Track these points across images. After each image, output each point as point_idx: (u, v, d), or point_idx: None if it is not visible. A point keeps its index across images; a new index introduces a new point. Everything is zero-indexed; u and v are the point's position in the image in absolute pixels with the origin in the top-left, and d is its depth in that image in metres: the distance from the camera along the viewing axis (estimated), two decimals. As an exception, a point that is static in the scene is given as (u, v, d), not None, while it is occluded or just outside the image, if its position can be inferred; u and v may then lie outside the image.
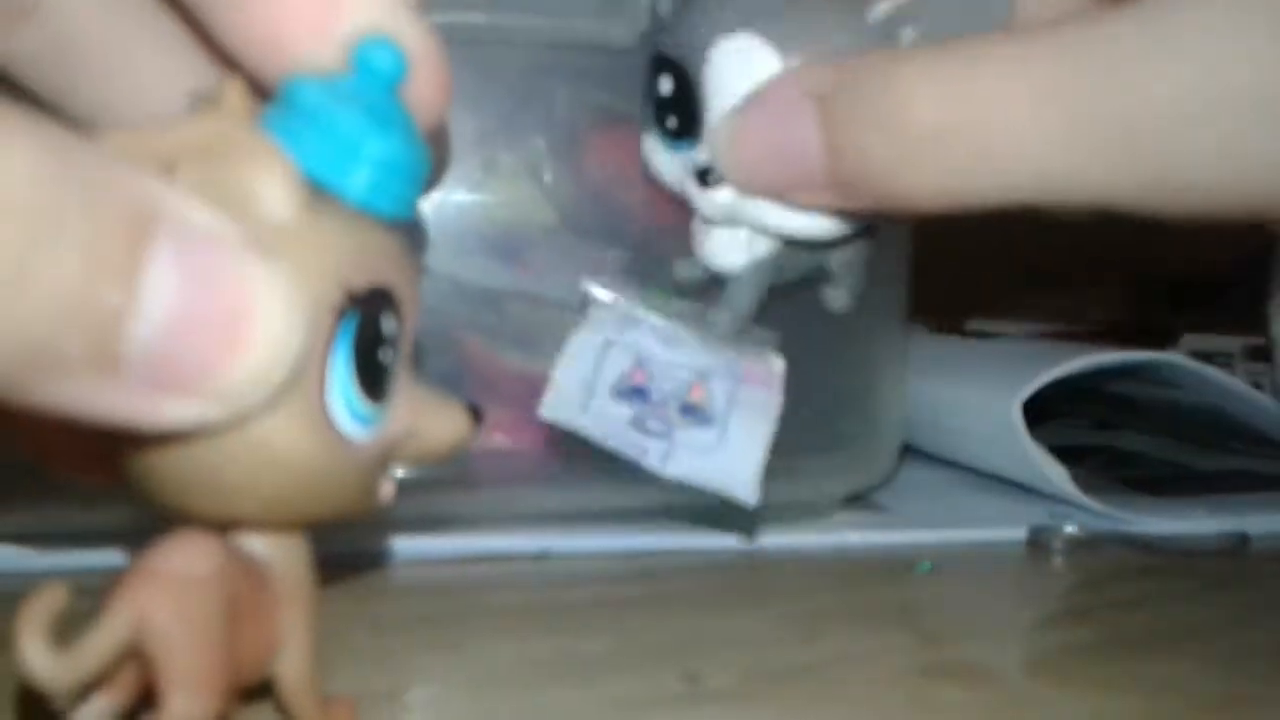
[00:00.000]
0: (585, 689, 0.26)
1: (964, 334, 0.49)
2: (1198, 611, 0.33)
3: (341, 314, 0.18)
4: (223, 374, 0.16)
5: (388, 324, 0.19)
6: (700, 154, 0.28)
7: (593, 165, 0.40)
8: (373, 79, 0.19)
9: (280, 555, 0.21)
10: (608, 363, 0.33)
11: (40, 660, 0.17)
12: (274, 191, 0.17)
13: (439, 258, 0.37)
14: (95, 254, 0.15)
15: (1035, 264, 0.62)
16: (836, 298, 0.33)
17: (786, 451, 0.39)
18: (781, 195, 0.27)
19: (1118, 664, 0.28)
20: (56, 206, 0.14)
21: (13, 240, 0.14)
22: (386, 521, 0.36)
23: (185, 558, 0.19)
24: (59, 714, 0.19)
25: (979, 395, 0.43)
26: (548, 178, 0.39)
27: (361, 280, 0.18)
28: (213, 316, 0.16)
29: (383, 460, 0.20)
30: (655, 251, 0.37)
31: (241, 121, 0.18)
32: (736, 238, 0.30)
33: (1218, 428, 0.48)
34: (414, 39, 0.19)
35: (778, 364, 0.34)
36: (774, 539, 0.38)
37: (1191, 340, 0.59)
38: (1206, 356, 0.45)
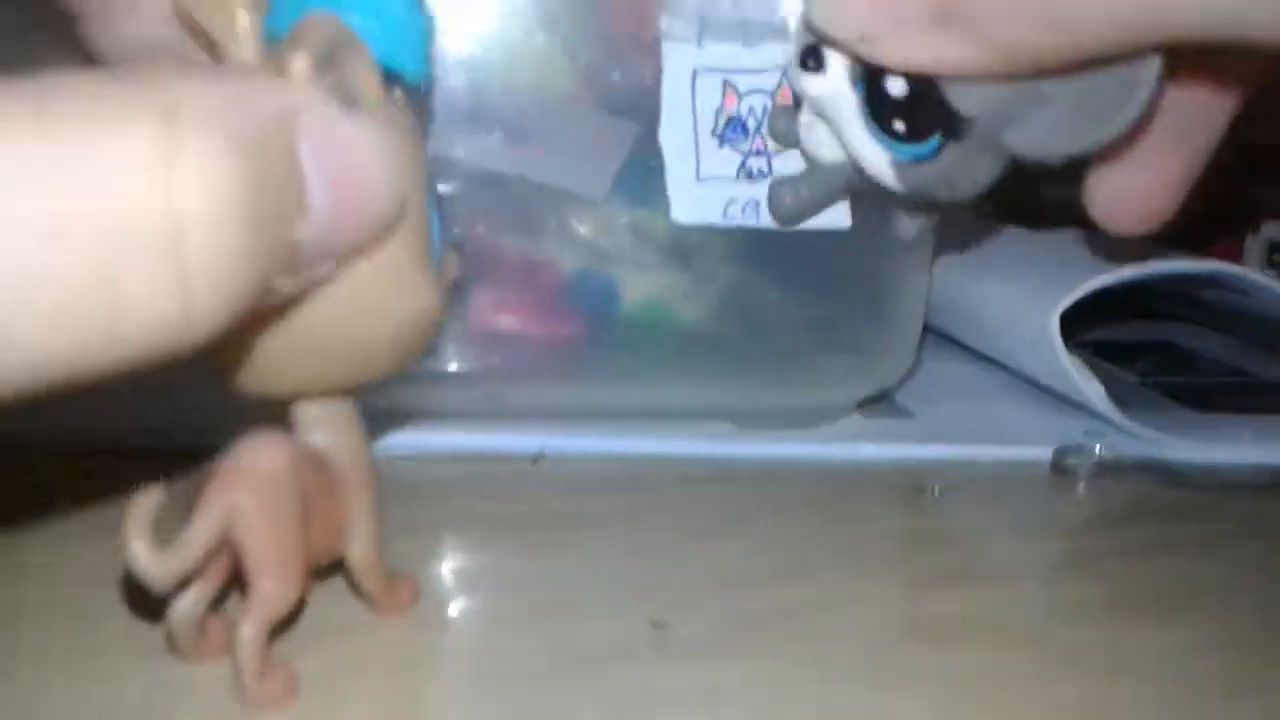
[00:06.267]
0: (547, 639, 0.25)
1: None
2: (1220, 565, 0.31)
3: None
4: (359, 238, 0.19)
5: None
6: (806, 38, 0.28)
7: (614, 24, 0.37)
8: None
9: (344, 446, 0.23)
10: (700, 99, 0.34)
11: (145, 558, 0.20)
12: (370, 81, 0.19)
13: (438, 137, 0.35)
14: (288, 188, 0.17)
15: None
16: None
17: (792, 354, 0.38)
18: (881, 40, 0.25)
19: (1116, 630, 0.27)
20: (256, 182, 0.16)
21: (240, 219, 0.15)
22: (388, 415, 0.35)
23: (264, 455, 0.21)
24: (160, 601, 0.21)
25: (1016, 298, 0.40)
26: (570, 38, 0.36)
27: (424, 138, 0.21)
28: (349, 197, 0.18)
29: None
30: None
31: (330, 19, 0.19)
32: (831, 136, 0.30)
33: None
34: None
35: None
36: (779, 447, 0.37)
37: (1272, 229, 0.54)
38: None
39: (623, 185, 0.37)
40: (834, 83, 0.28)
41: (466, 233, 0.37)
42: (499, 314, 0.38)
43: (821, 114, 0.29)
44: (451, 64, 0.34)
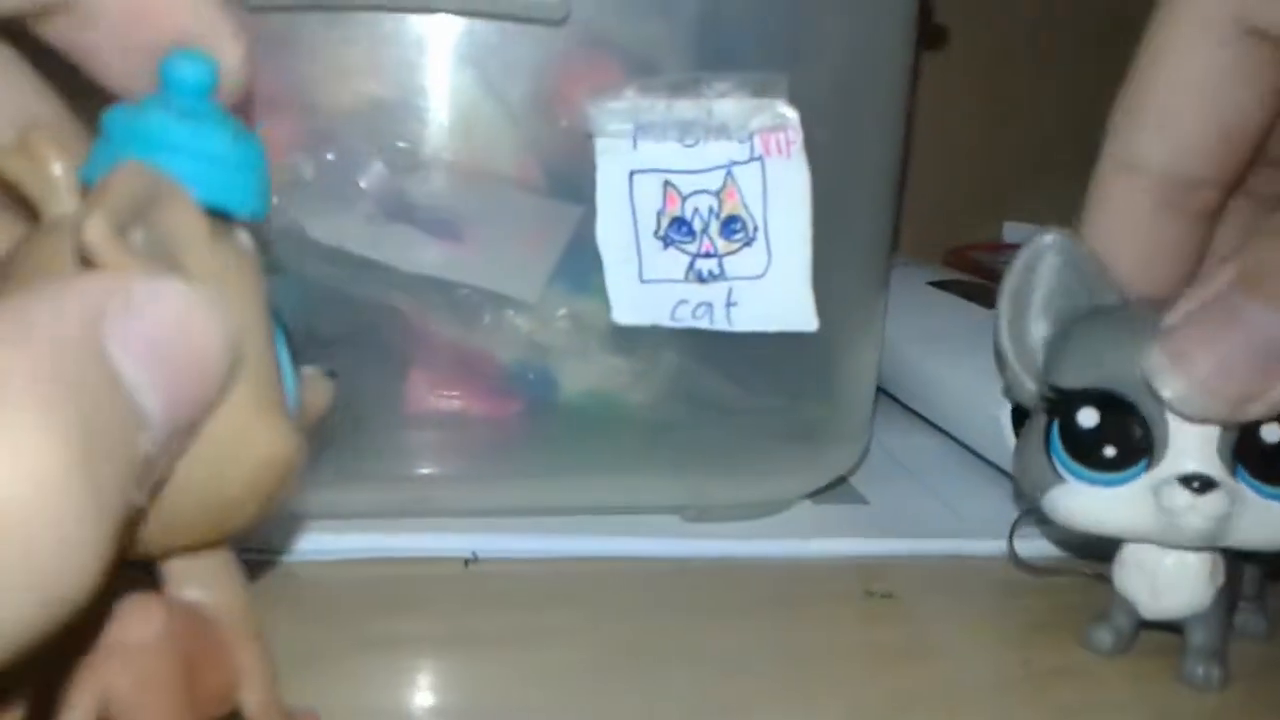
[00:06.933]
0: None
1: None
2: (1173, 688, 0.29)
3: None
4: (203, 405, 0.18)
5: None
6: (1177, 465, 0.27)
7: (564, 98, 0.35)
8: (187, 90, 0.19)
9: (220, 598, 0.22)
10: (639, 200, 0.33)
11: None
12: (192, 224, 0.18)
13: (373, 242, 0.33)
14: (116, 413, 0.15)
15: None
16: (1206, 673, 0.29)
17: (740, 443, 0.36)
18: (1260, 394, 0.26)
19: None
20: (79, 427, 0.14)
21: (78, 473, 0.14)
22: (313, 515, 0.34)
23: (133, 627, 0.20)
24: None
25: (970, 384, 0.39)
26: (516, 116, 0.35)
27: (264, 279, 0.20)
28: (180, 373, 0.17)
29: None
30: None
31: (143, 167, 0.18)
32: (1197, 570, 0.29)
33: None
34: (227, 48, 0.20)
35: (790, 113, 0.33)
36: (727, 545, 0.35)
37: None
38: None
39: (563, 272, 0.35)
40: (1226, 491, 0.27)
41: (403, 321, 0.35)
42: (436, 400, 0.36)
43: (1220, 530, 0.27)
44: (386, 154, 0.33)
